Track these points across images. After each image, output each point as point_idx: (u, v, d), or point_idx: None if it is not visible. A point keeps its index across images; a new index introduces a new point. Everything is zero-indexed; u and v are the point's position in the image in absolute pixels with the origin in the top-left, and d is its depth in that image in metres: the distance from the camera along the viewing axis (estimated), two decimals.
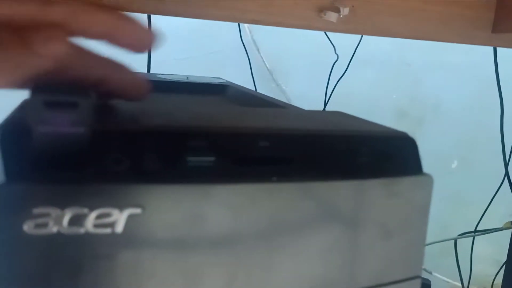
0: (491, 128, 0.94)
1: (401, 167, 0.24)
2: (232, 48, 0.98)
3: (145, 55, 0.72)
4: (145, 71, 0.73)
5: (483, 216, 0.97)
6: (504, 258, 0.78)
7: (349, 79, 0.99)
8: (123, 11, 0.23)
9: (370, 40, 0.91)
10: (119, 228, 0.18)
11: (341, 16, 0.59)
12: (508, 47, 0.63)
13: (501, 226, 0.92)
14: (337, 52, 0.97)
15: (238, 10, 0.45)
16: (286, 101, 0.51)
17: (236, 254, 0.20)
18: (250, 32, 0.98)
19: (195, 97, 0.33)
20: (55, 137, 0.18)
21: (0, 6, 0.19)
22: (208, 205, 0.20)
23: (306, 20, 0.55)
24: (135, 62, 0.26)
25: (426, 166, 0.25)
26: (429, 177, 0.24)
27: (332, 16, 0.58)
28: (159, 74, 0.55)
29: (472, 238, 1.00)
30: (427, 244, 0.25)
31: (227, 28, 0.97)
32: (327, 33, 0.91)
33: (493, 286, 1.07)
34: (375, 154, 0.24)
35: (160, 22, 0.49)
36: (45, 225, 0.17)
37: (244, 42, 0.98)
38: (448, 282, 1.12)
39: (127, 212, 0.18)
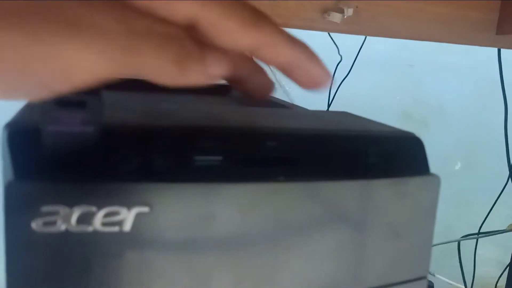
0: (494, 130, 0.94)
1: (409, 167, 0.24)
2: None
3: None
4: None
5: (487, 218, 0.97)
6: (507, 260, 0.78)
7: (353, 80, 0.99)
8: None
9: (373, 41, 0.91)
10: (127, 226, 0.18)
11: (345, 17, 0.59)
12: None
13: (505, 228, 0.92)
14: (340, 53, 0.97)
15: None
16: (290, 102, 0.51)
17: (243, 253, 0.20)
18: None
19: (202, 97, 0.33)
20: (64, 136, 0.18)
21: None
22: (215, 204, 0.20)
23: (310, 21, 0.55)
24: None
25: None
26: (436, 177, 0.24)
27: (336, 17, 0.59)
28: None
29: (475, 240, 1.00)
30: None
31: None
32: (331, 34, 0.91)
33: None
34: (382, 154, 0.24)
35: None
36: (53, 223, 0.17)
37: None
38: (451, 284, 1.11)
39: (135, 211, 0.18)
